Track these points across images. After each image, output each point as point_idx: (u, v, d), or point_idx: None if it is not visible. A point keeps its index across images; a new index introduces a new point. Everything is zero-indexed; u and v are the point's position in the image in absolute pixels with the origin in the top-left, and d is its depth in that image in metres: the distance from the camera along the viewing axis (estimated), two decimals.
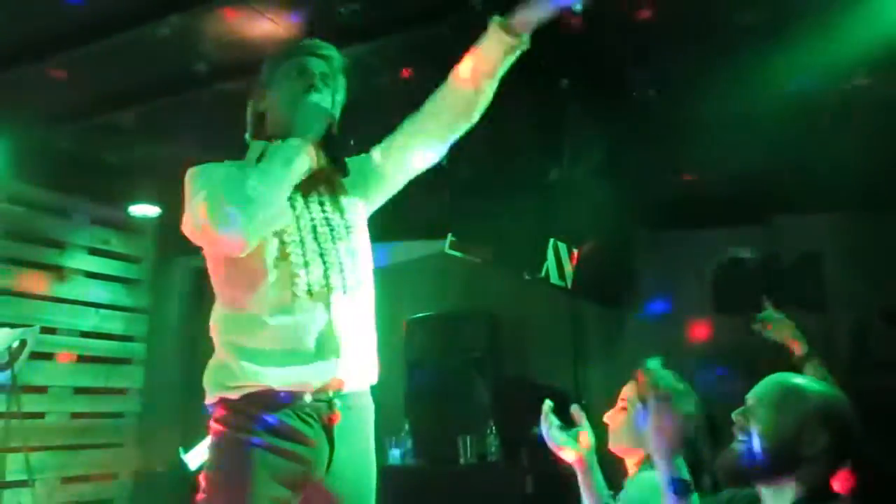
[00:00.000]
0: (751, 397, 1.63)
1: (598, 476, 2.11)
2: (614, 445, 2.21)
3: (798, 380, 1.66)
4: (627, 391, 2.19)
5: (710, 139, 3.29)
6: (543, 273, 2.97)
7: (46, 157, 4.17)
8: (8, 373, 3.86)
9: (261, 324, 1.67)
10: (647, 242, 4.41)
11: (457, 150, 2.03)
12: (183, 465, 2.85)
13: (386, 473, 4.40)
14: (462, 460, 4.19)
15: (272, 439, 1.63)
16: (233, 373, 1.67)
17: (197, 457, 2.86)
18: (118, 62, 3.28)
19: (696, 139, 3.34)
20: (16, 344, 3.84)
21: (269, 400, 1.65)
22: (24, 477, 3.94)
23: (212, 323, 1.80)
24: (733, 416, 1.62)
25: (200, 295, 5.15)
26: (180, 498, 4.59)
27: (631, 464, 2.21)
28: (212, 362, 1.76)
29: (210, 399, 1.73)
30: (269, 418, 1.64)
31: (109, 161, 4.35)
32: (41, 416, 4.39)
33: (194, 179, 1.75)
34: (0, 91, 3.50)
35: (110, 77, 3.45)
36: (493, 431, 4.17)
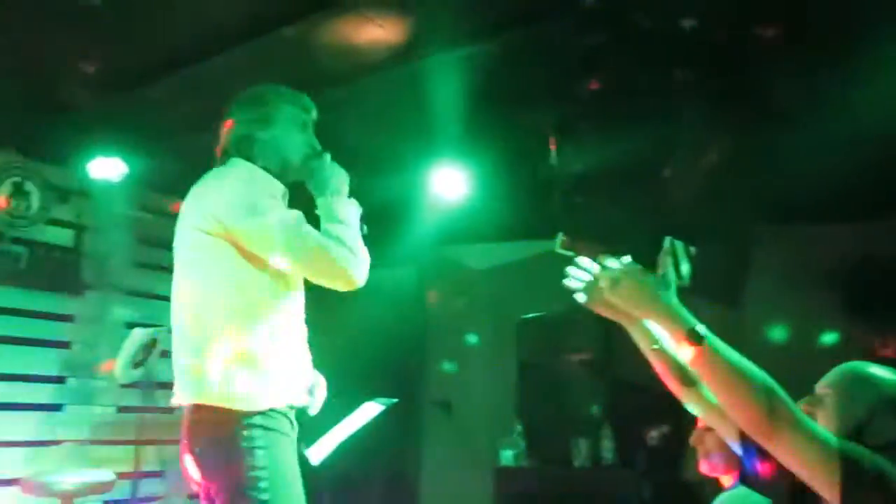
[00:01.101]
0: (820, 386, 1.59)
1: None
2: (706, 467, 2.14)
3: (871, 368, 1.58)
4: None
5: (839, 128, 3.08)
6: (660, 272, 2.85)
7: (173, 166, 4.42)
8: (142, 370, 4.13)
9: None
10: (769, 238, 4.17)
11: (567, 146, 1.99)
12: (304, 460, 2.95)
13: (498, 474, 4.41)
14: (576, 463, 4.12)
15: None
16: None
17: (320, 452, 2.95)
18: (236, 75, 3.43)
19: (823, 128, 3.13)
20: (149, 343, 4.10)
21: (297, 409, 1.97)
22: (158, 468, 4.21)
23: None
24: (800, 404, 1.52)
25: (318, 295, 5.31)
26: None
27: (727, 480, 2.13)
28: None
29: (262, 406, 1.85)
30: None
31: None
32: (172, 410, 4.65)
33: (290, 230, 1.90)
34: (131, 106, 3.73)
35: (229, 90, 3.61)
36: (609, 434, 4.07)
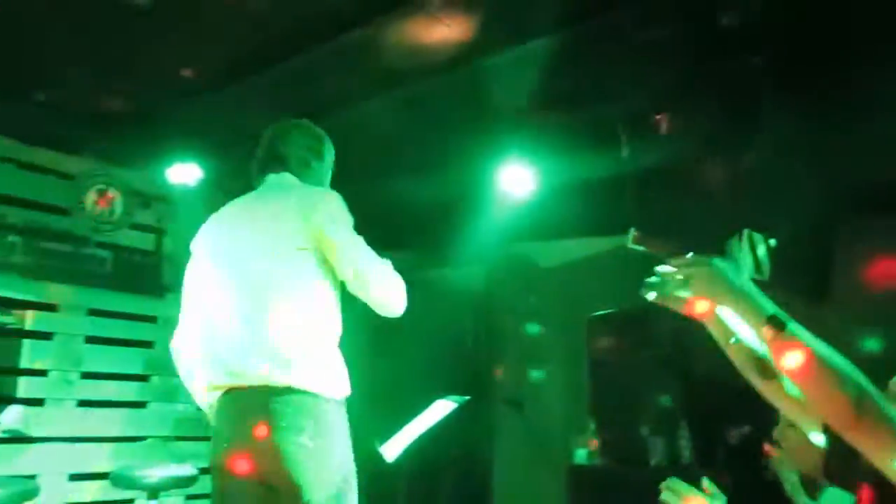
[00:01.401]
0: (894, 383, 1.49)
1: None
2: (789, 465, 2.05)
3: None
4: None
5: None
6: None
7: (243, 169, 4.53)
8: None
9: None
10: (855, 230, 3.99)
11: (639, 139, 1.94)
12: (378, 457, 2.99)
13: (572, 473, 4.36)
14: (652, 461, 4.04)
15: None
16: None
17: (394, 449, 2.99)
18: (305, 78, 3.49)
19: None
20: None
21: None
22: None
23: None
24: None
25: None
26: (371, 487, 4.83)
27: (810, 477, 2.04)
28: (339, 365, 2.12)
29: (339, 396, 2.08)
30: None
31: None
32: None
33: (371, 252, 2.17)
34: (206, 111, 3.84)
35: (300, 93, 3.68)
36: (685, 432, 3.97)
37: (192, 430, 4.59)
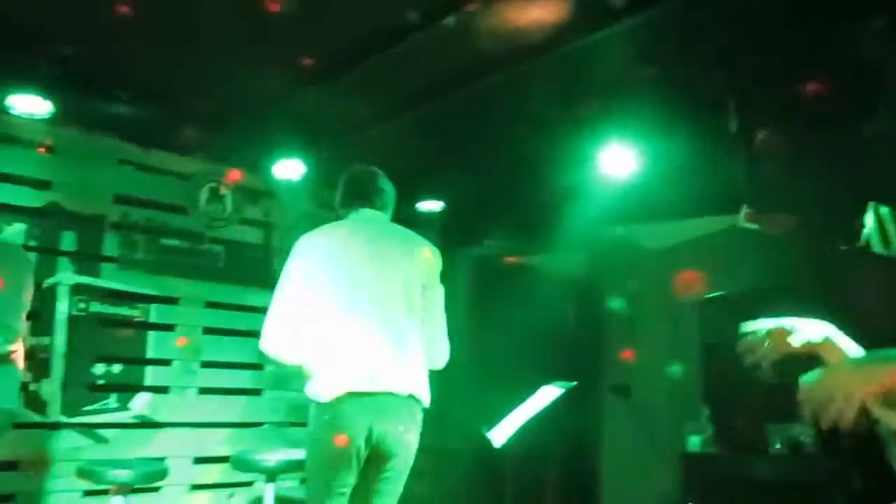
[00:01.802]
0: None
1: None
2: None
3: None
4: None
5: None
6: (863, 241, 2.58)
7: (345, 162, 4.63)
8: None
9: None
10: None
11: (749, 111, 1.84)
12: (487, 442, 3.02)
13: (686, 461, 4.23)
14: (772, 449, 3.86)
15: None
16: None
17: (502, 435, 2.99)
18: (401, 67, 3.52)
19: None
20: None
21: None
22: None
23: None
24: None
25: (482, 283, 5.37)
26: (479, 472, 4.87)
27: None
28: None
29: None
30: None
31: (399, 161, 4.70)
32: None
33: None
34: (308, 110, 3.95)
35: (396, 82, 3.72)
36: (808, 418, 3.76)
37: (304, 416, 4.74)
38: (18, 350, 2.67)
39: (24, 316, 2.65)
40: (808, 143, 3.09)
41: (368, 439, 2.47)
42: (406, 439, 2.52)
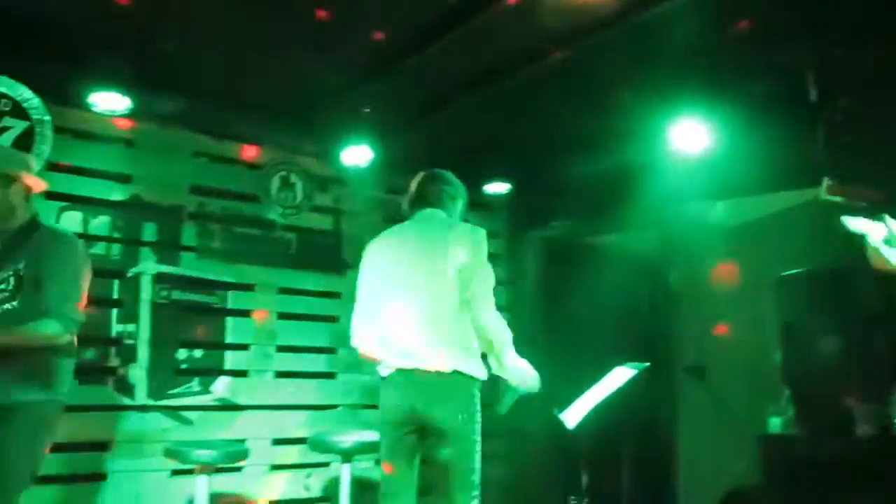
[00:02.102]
0: None
1: None
2: None
3: None
4: None
5: None
6: None
7: (412, 147, 4.67)
8: None
9: None
10: None
11: (828, 78, 1.76)
12: (559, 424, 3.02)
13: (766, 443, 4.12)
14: (858, 430, 3.71)
15: None
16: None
17: (575, 416, 2.98)
18: (466, 49, 3.51)
19: None
20: None
21: None
22: None
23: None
24: None
25: (552, 265, 5.32)
26: (554, 454, 4.86)
27: None
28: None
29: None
30: None
31: (465, 144, 4.70)
32: None
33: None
34: (367, 93, 3.97)
35: (461, 64, 3.71)
36: None
37: (377, 398, 4.83)
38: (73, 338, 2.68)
39: (81, 304, 2.64)
40: (892, 111, 2.94)
41: (411, 411, 2.74)
42: (445, 412, 2.69)
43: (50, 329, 2.53)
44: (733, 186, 4.38)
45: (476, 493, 2.68)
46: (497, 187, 5.13)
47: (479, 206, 5.34)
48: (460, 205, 3.07)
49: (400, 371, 2.77)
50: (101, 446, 3.90)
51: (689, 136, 3.87)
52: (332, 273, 4.81)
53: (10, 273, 2.57)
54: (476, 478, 2.68)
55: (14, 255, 2.59)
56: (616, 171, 4.48)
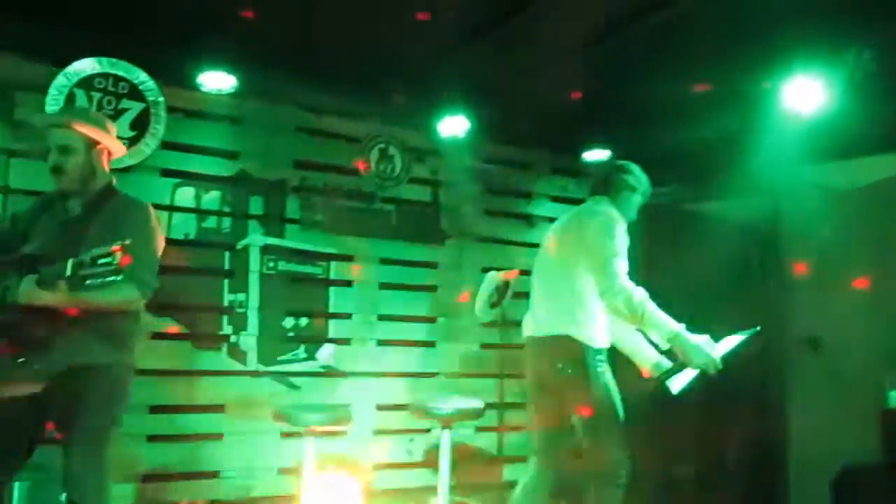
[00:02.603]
0: None
1: None
2: None
3: None
4: None
5: None
6: None
7: (511, 116, 4.63)
8: (498, 310, 4.44)
9: None
10: None
11: None
12: (665, 389, 3.00)
13: (886, 418, 3.91)
14: None
15: None
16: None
17: (679, 383, 2.92)
18: (563, 15, 3.43)
19: None
20: (501, 285, 4.39)
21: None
22: (519, 399, 4.53)
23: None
24: None
25: (656, 233, 5.17)
26: (660, 419, 4.76)
27: None
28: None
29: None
30: None
31: (564, 111, 4.62)
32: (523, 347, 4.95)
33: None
34: (463, 62, 3.95)
35: (558, 30, 3.64)
36: None
37: (476, 367, 4.88)
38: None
39: (155, 270, 2.61)
40: None
41: (535, 372, 3.28)
42: (555, 371, 3.13)
43: (127, 293, 2.49)
44: (850, 147, 4.13)
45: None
46: (597, 154, 5.02)
47: (578, 175, 5.27)
48: (626, 191, 3.35)
49: (528, 339, 3.37)
50: (218, 408, 4.13)
51: (803, 94, 3.67)
52: (432, 243, 4.87)
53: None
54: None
55: (111, 228, 2.48)
56: (722, 136, 4.30)
